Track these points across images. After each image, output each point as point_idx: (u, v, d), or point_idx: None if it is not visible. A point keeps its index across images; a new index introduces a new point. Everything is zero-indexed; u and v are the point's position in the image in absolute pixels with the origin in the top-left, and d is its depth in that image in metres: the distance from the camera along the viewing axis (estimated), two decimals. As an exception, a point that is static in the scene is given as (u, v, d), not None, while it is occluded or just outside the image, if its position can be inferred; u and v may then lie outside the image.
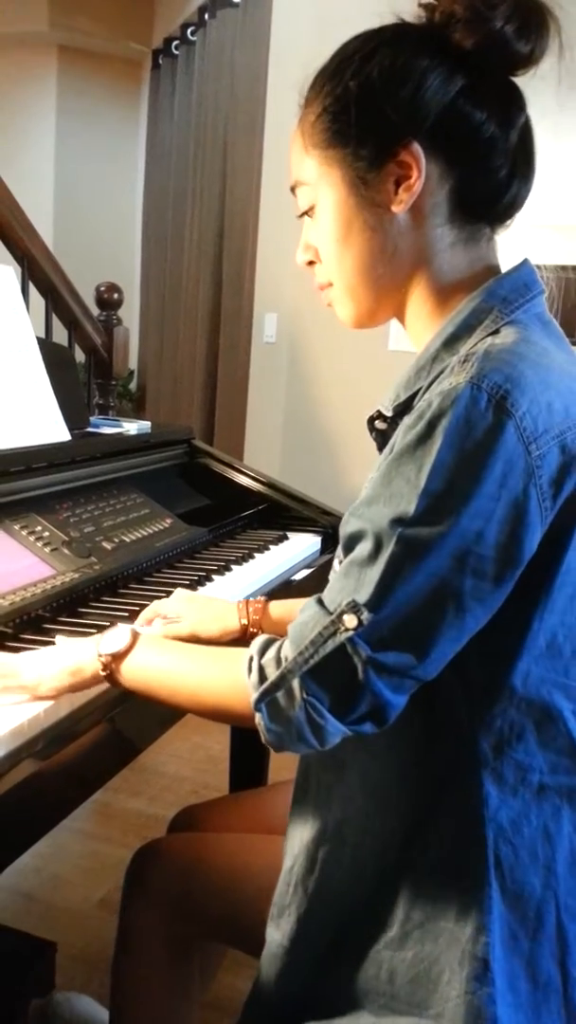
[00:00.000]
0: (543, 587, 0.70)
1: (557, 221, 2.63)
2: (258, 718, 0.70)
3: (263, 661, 0.70)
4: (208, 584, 1.28)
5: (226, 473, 1.71)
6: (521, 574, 0.67)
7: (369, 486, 0.70)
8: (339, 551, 0.76)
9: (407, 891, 0.75)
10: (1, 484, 1.19)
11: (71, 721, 0.84)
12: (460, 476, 0.64)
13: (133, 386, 4.61)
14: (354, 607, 0.66)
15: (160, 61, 4.39)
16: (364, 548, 0.68)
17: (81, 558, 1.18)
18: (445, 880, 0.74)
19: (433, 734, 0.73)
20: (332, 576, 0.74)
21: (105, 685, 0.88)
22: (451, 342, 0.74)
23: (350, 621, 0.66)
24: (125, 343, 2.17)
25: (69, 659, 0.84)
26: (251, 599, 1.06)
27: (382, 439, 0.82)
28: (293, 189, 0.82)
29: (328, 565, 1.54)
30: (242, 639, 1.05)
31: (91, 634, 1.00)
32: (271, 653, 0.71)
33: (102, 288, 2.11)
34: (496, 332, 0.71)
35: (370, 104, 0.73)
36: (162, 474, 1.62)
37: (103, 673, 0.82)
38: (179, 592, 1.09)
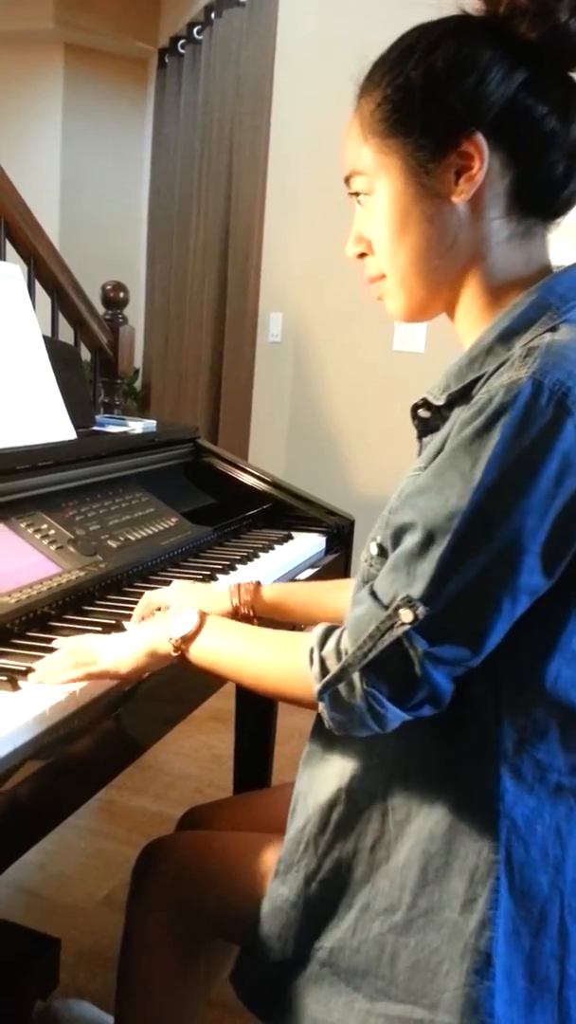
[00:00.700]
0: None
1: None
2: (321, 706, 0.72)
3: (323, 653, 0.72)
4: (213, 584, 1.28)
5: (231, 472, 1.72)
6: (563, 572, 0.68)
7: (421, 477, 0.71)
8: (375, 532, 0.78)
9: (415, 876, 0.76)
10: (7, 482, 1.19)
11: (77, 718, 0.85)
12: (516, 472, 0.65)
13: (138, 385, 4.61)
14: (409, 601, 0.67)
15: (166, 60, 4.38)
16: (413, 540, 0.68)
17: (87, 556, 1.18)
18: (453, 870, 0.74)
19: (458, 723, 0.74)
20: (364, 557, 0.77)
21: (111, 681, 0.90)
22: (507, 336, 0.73)
23: (406, 616, 0.67)
24: (131, 342, 2.17)
25: (145, 639, 0.88)
26: (242, 583, 1.07)
27: (424, 427, 0.82)
28: (347, 179, 0.82)
29: (332, 565, 1.55)
30: (234, 619, 1.07)
31: (96, 632, 1.01)
32: (331, 645, 0.72)
33: (108, 287, 2.11)
34: (555, 329, 0.71)
35: (434, 94, 0.73)
36: (167, 473, 1.63)
37: (175, 654, 0.86)
38: (175, 582, 1.11)
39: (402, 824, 0.78)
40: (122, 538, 1.28)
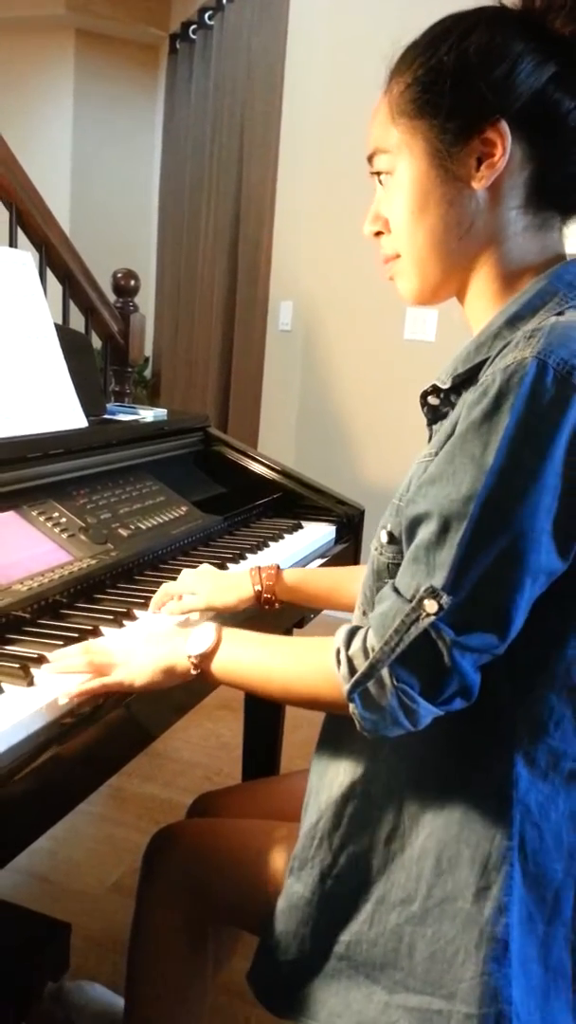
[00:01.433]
0: None
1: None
2: (352, 708, 0.71)
3: (351, 653, 0.71)
4: (231, 568, 1.28)
5: (241, 461, 1.71)
6: None
7: (432, 465, 0.71)
8: (385, 520, 0.78)
9: (431, 865, 0.76)
10: (19, 470, 1.20)
11: (88, 707, 0.85)
12: (527, 452, 0.65)
13: (148, 373, 4.61)
14: (432, 592, 0.67)
15: (177, 45, 4.36)
16: (430, 529, 0.68)
17: (98, 544, 1.19)
18: (468, 858, 0.75)
19: (473, 710, 0.74)
20: (374, 545, 0.77)
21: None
22: (514, 321, 0.74)
23: (431, 606, 0.67)
24: (141, 330, 2.17)
25: (162, 659, 0.85)
26: (263, 566, 1.07)
27: (433, 414, 0.82)
28: (370, 158, 0.82)
29: (342, 555, 1.55)
30: (257, 604, 1.07)
31: (107, 620, 1.02)
32: (357, 644, 0.71)
33: (119, 275, 2.10)
34: (560, 314, 0.71)
35: (464, 79, 0.74)
36: (178, 462, 1.63)
37: (194, 672, 0.84)
38: (186, 571, 1.11)
39: (416, 815, 0.78)
40: (133, 526, 1.28)
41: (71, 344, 1.46)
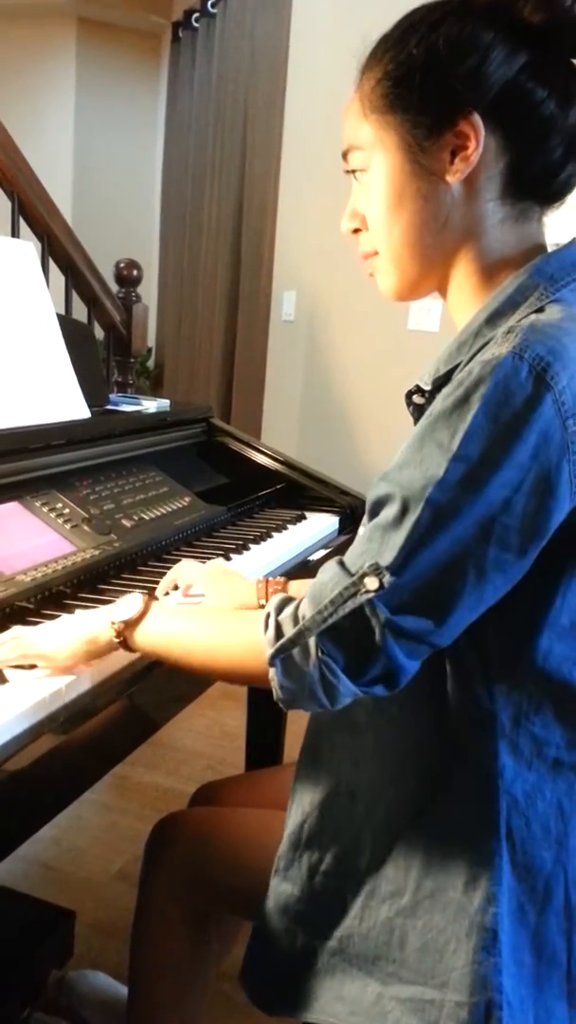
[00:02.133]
0: (569, 564, 0.70)
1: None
2: (272, 673, 0.71)
3: (280, 618, 0.71)
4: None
5: (244, 452, 1.72)
6: (546, 549, 0.67)
7: (401, 450, 0.70)
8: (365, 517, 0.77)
9: (419, 858, 0.76)
10: (22, 461, 1.20)
11: (91, 696, 0.85)
12: (493, 444, 0.64)
13: (151, 364, 4.60)
14: (376, 570, 0.66)
15: (180, 34, 4.33)
16: (390, 512, 0.68)
17: (101, 535, 1.19)
18: (456, 849, 0.75)
19: (451, 703, 0.74)
20: (357, 539, 0.75)
21: (126, 660, 0.90)
22: (494, 318, 0.73)
23: (371, 583, 0.66)
24: (144, 320, 2.16)
25: (84, 629, 0.86)
26: (271, 578, 1.07)
27: (419, 414, 0.82)
28: (345, 155, 0.82)
29: (345, 545, 1.55)
30: None
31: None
32: (288, 611, 0.71)
33: (121, 264, 2.10)
34: (541, 310, 0.71)
35: (434, 72, 0.73)
36: (180, 452, 1.63)
37: (117, 640, 0.84)
38: (194, 564, 1.10)
39: (402, 811, 0.78)
40: (136, 517, 1.29)
41: (73, 334, 1.46)
